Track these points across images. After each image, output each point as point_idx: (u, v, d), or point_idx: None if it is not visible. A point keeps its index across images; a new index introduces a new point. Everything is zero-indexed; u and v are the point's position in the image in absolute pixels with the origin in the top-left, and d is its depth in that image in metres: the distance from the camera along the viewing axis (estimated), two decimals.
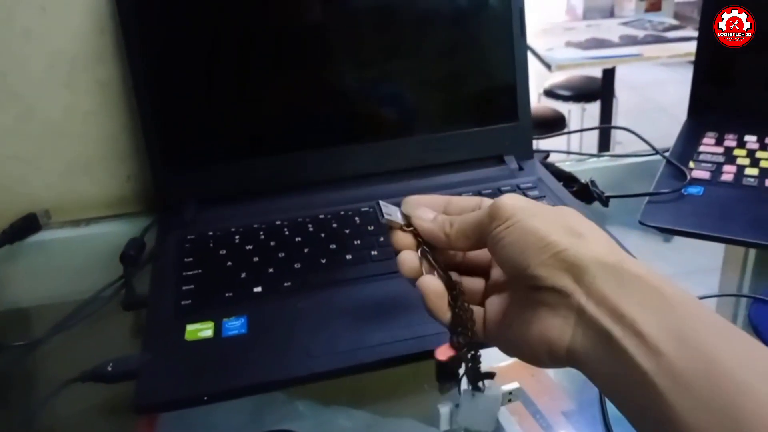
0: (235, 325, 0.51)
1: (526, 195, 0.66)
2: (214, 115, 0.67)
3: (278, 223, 0.63)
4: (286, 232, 0.62)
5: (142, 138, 0.65)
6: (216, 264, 0.58)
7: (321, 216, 0.64)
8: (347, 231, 0.62)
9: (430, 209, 0.41)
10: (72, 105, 0.68)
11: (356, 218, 0.64)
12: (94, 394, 0.49)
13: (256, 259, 0.58)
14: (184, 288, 0.55)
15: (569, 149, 1.20)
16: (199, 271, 0.57)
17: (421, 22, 0.69)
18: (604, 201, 0.66)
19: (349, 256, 0.58)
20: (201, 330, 0.50)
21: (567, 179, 0.70)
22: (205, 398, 0.45)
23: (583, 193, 0.67)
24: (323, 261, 0.58)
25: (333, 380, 0.48)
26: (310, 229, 0.62)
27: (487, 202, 0.40)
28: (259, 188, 0.67)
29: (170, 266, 0.58)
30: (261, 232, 0.62)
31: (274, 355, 0.48)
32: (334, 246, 0.60)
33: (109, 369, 0.48)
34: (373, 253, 0.58)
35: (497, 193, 0.67)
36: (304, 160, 0.68)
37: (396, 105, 0.71)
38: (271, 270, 0.57)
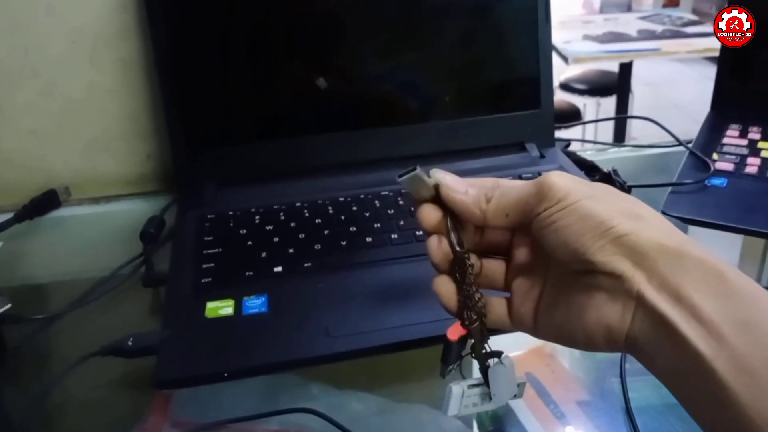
0: (255, 304, 0.51)
1: None
2: (236, 96, 0.66)
3: (298, 204, 0.63)
4: (306, 214, 0.62)
5: (164, 117, 0.65)
6: (236, 243, 0.58)
7: (341, 199, 0.64)
8: (367, 214, 0.61)
9: (463, 180, 0.38)
10: (94, 82, 0.68)
11: (376, 202, 0.63)
12: (113, 368, 0.49)
13: (276, 239, 0.58)
14: (204, 266, 0.55)
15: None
16: (219, 249, 0.57)
17: (445, 7, 0.69)
18: (627, 190, 0.66)
19: (369, 239, 0.58)
20: (221, 307, 0.50)
21: (589, 168, 0.69)
22: (225, 375, 0.45)
23: (606, 182, 0.66)
24: (343, 243, 0.58)
25: (347, 363, 0.48)
26: (330, 211, 0.62)
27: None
28: (278, 170, 0.67)
29: (190, 244, 0.58)
30: (281, 213, 0.62)
31: (295, 334, 0.48)
32: (354, 228, 0.59)
33: (129, 344, 0.48)
34: (393, 236, 0.58)
35: (518, 180, 0.66)
36: (325, 143, 0.68)
37: (417, 90, 0.70)
38: (291, 250, 0.57)
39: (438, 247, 0.37)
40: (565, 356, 0.55)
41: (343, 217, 0.61)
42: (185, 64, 0.64)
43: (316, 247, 0.57)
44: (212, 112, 0.66)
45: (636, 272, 0.31)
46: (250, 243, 0.58)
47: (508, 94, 0.71)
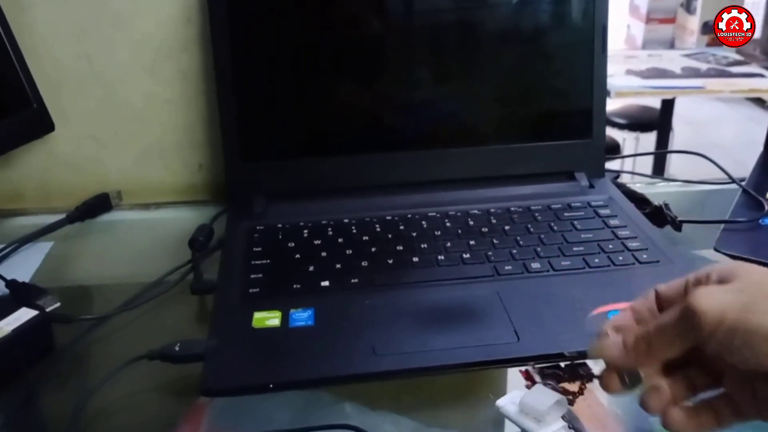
0: (302, 317, 0.51)
1: (597, 213, 0.64)
2: (291, 112, 0.67)
3: (346, 221, 0.63)
4: (354, 231, 0.62)
5: (219, 128, 0.66)
6: (284, 255, 0.58)
7: (388, 217, 0.64)
8: (414, 234, 0.62)
9: (613, 334, 0.37)
10: (153, 92, 0.70)
11: (423, 222, 0.63)
12: (159, 372, 0.49)
13: (323, 254, 0.59)
14: (252, 276, 0.56)
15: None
16: (268, 261, 0.58)
17: (503, 34, 0.69)
18: (678, 225, 0.64)
19: (415, 259, 0.58)
20: (268, 318, 0.51)
21: (639, 201, 0.68)
22: (270, 387, 0.45)
23: (656, 215, 0.65)
24: (389, 261, 0.58)
25: (381, 384, 0.48)
26: (377, 229, 0.62)
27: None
28: (328, 187, 0.67)
29: (239, 254, 0.59)
30: (329, 229, 0.62)
31: (341, 350, 0.48)
32: (401, 248, 0.60)
33: (177, 349, 0.48)
34: (439, 257, 0.58)
35: (567, 209, 0.65)
36: (374, 162, 0.68)
37: (469, 114, 0.71)
38: (338, 266, 0.57)
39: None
40: (603, 391, 0.53)
41: (390, 236, 0.61)
42: (244, 78, 0.65)
43: (362, 263, 0.57)
44: (267, 127, 0.67)
45: None
46: (298, 256, 0.58)
47: (560, 123, 0.71)
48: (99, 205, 0.69)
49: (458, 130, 0.71)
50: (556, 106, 0.72)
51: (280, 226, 0.63)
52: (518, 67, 0.70)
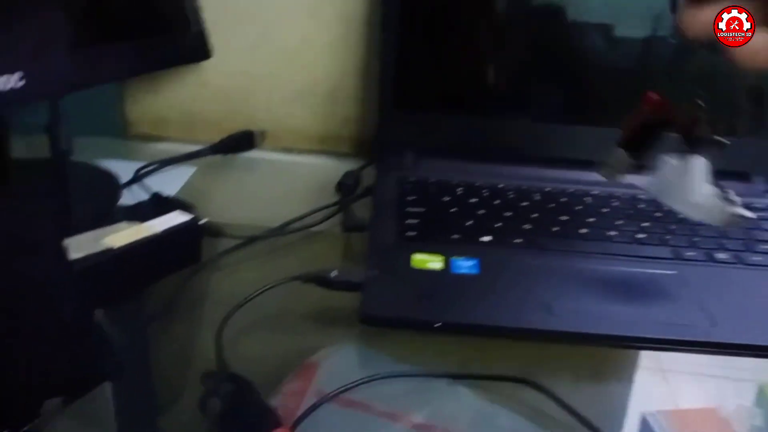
0: (465, 265, 0.47)
1: None
2: (455, 68, 0.64)
3: (501, 185, 0.59)
4: (511, 196, 0.58)
5: (376, 78, 0.63)
6: (439, 207, 0.55)
7: (547, 189, 0.59)
8: (578, 208, 0.57)
9: None
10: (310, 35, 0.68)
11: (586, 198, 0.58)
12: (307, 297, 0.46)
13: (481, 211, 0.54)
14: (407, 221, 0.52)
15: None
16: (423, 209, 0.54)
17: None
18: None
19: (584, 230, 0.53)
20: (429, 261, 0.47)
21: None
22: (437, 325, 0.41)
23: None
24: (555, 229, 0.53)
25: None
26: (537, 198, 0.58)
27: None
28: (480, 149, 0.63)
29: (392, 200, 0.56)
30: (484, 190, 0.58)
31: (510, 303, 0.43)
32: (566, 218, 0.55)
33: (333, 275, 0.44)
34: (610, 233, 0.53)
35: (749, 209, 0.59)
36: (533, 131, 0.64)
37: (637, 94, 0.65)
38: (498, 224, 0.52)
39: None
40: (745, 425, 0.46)
41: (551, 206, 0.57)
42: (409, 25, 0.62)
43: (525, 226, 0.53)
44: (427, 80, 0.64)
45: None
46: (454, 210, 0.54)
47: (736, 117, 0.65)
48: (243, 141, 0.67)
49: (627, 111, 0.65)
50: (733, 97, 0.65)
51: (432, 181, 0.59)
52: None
